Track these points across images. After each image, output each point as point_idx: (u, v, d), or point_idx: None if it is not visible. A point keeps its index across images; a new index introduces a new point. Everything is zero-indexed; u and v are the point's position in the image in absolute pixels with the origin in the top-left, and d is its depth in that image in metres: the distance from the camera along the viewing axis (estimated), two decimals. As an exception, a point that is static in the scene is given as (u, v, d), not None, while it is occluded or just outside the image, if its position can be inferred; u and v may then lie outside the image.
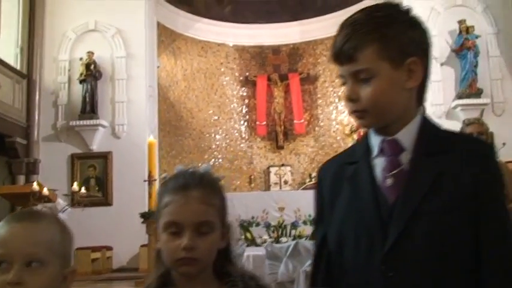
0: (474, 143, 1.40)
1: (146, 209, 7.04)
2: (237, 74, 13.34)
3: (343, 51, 1.31)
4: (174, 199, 1.37)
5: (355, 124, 12.30)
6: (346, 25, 1.33)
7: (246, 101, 13.42)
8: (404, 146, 1.34)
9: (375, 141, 1.39)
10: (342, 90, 12.60)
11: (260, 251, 5.77)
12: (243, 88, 13.41)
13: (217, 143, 12.90)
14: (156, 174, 6.98)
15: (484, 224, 1.25)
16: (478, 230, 1.25)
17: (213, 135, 12.87)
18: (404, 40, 1.34)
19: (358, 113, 1.33)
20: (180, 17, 12.06)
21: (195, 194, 1.38)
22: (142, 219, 6.82)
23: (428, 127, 1.37)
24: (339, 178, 1.42)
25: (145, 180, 6.80)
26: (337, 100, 12.87)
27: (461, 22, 9.61)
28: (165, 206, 1.37)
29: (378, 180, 1.34)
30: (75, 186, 7.65)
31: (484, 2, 9.95)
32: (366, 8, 1.37)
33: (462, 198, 1.25)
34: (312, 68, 13.26)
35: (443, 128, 1.40)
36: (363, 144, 1.43)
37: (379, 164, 1.36)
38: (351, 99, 1.33)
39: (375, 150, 1.38)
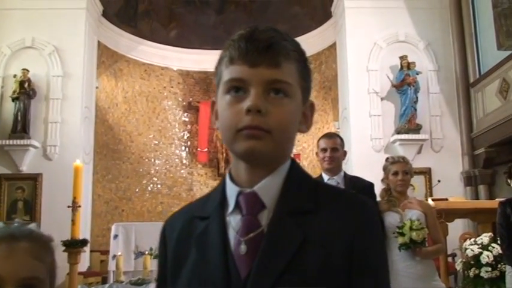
0: (349, 201, 1.11)
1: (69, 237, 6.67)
2: (180, 99, 13.13)
3: (269, 52, 1.06)
4: None
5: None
6: (267, 28, 1.09)
7: (188, 126, 13.18)
8: (265, 202, 1.08)
9: (231, 191, 1.11)
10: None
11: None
12: (186, 113, 13.19)
13: (157, 168, 12.59)
14: (81, 201, 6.61)
15: None
16: None
17: (152, 160, 12.56)
18: (310, 83, 1.17)
19: (259, 131, 1.03)
20: (123, 38, 11.80)
21: (23, 246, 1.17)
22: (64, 248, 6.44)
23: (296, 178, 1.12)
24: (186, 236, 1.13)
25: (69, 206, 6.45)
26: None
27: (402, 58, 9.68)
28: None
29: (231, 244, 1.07)
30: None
31: (426, 39, 10.09)
32: None
33: (331, 272, 1.00)
34: (255, 96, 13.15)
35: (314, 178, 1.16)
36: (218, 194, 1.14)
37: (235, 223, 1.08)
38: (259, 110, 1.04)
39: (231, 203, 1.10)
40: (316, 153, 4.24)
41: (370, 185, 4.05)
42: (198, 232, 1.11)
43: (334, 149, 4.08)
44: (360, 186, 3.95)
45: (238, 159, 1.11)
